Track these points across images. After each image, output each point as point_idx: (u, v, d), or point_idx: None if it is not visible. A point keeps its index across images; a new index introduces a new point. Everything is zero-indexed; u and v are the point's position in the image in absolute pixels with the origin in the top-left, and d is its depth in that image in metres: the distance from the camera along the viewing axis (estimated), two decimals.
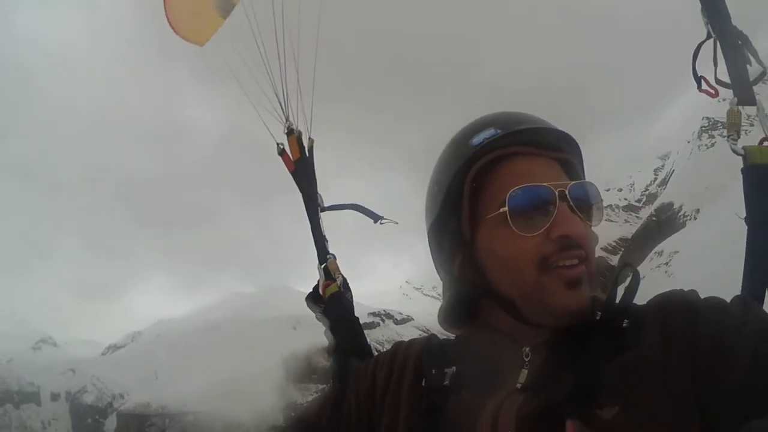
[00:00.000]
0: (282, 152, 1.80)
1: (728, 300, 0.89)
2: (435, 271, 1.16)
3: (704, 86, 1.24)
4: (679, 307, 0.89)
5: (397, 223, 1.72)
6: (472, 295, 1.04)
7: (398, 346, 1.20)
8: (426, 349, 1.13)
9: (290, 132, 1.79)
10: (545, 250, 0.92)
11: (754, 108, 1.12)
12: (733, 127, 1.11)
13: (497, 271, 0.98)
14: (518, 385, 0.95)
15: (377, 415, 1.11)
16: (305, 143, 1.80)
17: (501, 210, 0.95)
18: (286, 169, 1.80)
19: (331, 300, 1.53)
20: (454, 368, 1.04)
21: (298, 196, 1.77)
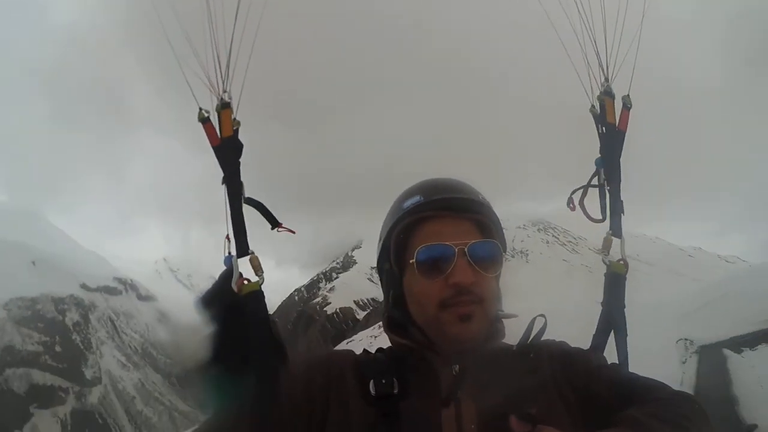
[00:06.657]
0: (206, 120, 1.50)
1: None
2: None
3: (572, 206, 1.67)
4: (558, 349, 1.29)
5: (294, 233, 1.59)
6: (400, 321, 1.32)
7: (331, 356, 1.33)
8: (364, 360, 1.31)
9: (225, 105, 1.52)
10: (444, 293, 1.21)
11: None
12: (606, 248, 1.57)
13: (412, 306, 1.29)
14: (459, 393, 1.18)
15: (319, 422, 1.19)
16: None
17: (411, 261, 1.25)
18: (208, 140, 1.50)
19: (250, 299, 1.37)
20: (394, 378, 1.22)
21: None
